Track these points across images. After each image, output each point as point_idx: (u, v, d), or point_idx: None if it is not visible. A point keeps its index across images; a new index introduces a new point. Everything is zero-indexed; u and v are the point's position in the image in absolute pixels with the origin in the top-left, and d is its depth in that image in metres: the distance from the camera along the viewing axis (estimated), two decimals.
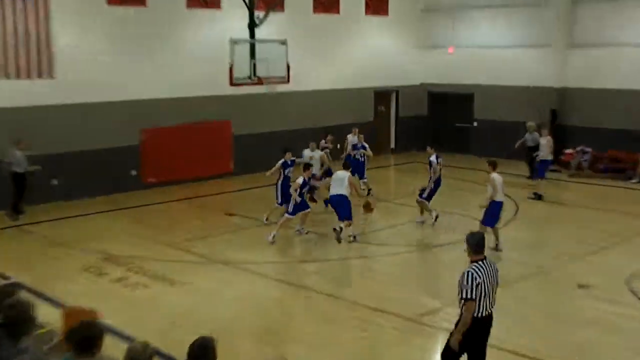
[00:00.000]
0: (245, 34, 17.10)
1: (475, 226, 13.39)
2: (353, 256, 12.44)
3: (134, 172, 17.85)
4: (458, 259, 12.32)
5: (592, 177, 19.74)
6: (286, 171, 14.21)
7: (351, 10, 22.55)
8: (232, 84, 16.71)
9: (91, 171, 16.94)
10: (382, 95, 24.14)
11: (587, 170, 19.83)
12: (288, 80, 17.54)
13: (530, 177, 19.00)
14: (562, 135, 21.18)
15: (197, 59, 18.64)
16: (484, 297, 6.46)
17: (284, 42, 17.06)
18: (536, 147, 18.86)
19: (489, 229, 12.23)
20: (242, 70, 16.84)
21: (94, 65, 16.79)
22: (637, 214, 15.56)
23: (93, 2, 16.78)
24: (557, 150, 21.04)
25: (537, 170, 17.44)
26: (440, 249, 12.97)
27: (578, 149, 20.16)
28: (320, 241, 13.42)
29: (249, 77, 16.94)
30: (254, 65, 16.65)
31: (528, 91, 22.10)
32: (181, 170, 18.67)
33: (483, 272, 6.49)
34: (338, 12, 22.19)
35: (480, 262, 6.56)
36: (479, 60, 23.26)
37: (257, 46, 16.87)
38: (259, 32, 17.35)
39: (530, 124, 19.52)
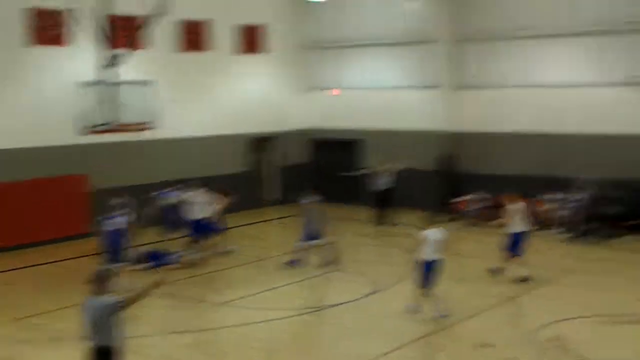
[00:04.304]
0: (101, 74, 17.06)
1: (361, 284, 13.77)
2: (231, 323, 12.51)
3: None
4: (350, 320, 12.73)
5: (479, 224, 20.41)
6: None
7: (224, 47, 22.96)
8: (86, 132, 16.55)
9: None
10: (259, 142, 24.53)
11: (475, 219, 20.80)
12: (153, 127, 17.58)
13: (382, 224, 20.58)
14: (459, 183, 22.27)
15: (45, 103, 18.44)
16: (89, 328, 7.89)
17: (146, 84, 17.13)
18: (388, 191, 20.18)
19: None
20: (98, 116, 16.73)
21: None
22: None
23: None
24: (449, 196, 22.17)
25: (513, 245, 14.85)
26: (328, 311, 13.25)
27: (475, 196, 21.18)
28: (194, 307, 13.48)
29: (105, 124, 16.81)
30: (112, 110, 16.59)
31: (420, 136, 23.13)
32: (28, 233, 18.21)
33: (86, 307, 7.92)
34: (209, 49, 22.59)
35: (92, 297, 7.91)
36: (367, 103, 24.21)
37: (116, 89, 16.84)
38: (118, 73, 17.34)
39: (389, 166, 20.76)
